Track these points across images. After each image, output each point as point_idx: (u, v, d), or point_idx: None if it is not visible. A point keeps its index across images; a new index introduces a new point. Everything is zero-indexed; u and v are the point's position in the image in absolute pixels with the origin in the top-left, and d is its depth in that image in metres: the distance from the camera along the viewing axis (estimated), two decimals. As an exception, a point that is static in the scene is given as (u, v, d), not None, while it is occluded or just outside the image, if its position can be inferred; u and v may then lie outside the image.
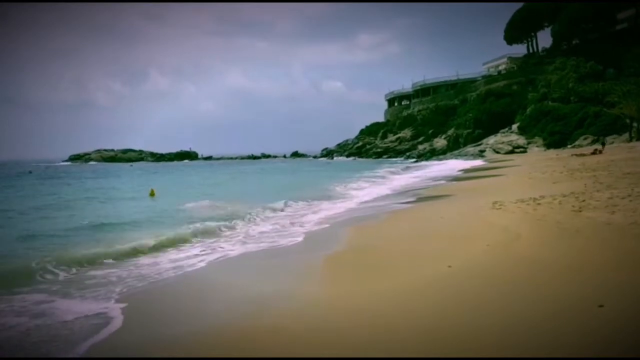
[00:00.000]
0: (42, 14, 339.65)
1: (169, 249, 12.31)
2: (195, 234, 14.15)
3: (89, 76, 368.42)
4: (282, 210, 19.35)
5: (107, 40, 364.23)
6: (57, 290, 8.71)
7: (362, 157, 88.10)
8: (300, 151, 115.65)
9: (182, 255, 11.62)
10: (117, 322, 6.93)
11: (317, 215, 17.66)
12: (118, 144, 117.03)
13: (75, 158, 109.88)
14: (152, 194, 28.74)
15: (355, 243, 11.76)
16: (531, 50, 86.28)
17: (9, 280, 9.23)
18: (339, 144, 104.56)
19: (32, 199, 27.82)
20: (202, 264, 10.58)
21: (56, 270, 10.05)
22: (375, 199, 22.14)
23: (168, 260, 11.06)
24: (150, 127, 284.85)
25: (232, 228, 15.39)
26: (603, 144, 42.63)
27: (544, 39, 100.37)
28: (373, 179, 36.07)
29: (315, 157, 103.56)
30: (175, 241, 13.15)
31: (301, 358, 5.18)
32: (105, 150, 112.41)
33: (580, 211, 11.26)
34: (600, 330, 4.93)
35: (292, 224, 15.76)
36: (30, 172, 66.27)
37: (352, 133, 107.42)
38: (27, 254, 11.83)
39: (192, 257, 11.33)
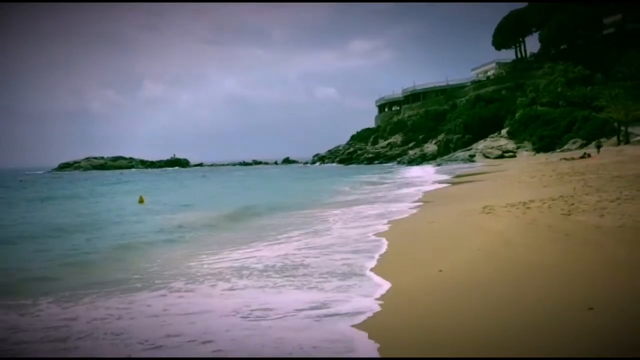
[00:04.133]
0: (37, 21, 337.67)
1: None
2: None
3: (83, 84, 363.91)
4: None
5: (103, 48, 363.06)
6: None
7: (353, 162, 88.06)
8: (292, 157, 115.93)
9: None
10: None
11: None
12: (112, 152, 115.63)
13: (64, 166, 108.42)
14: (141, 201, 28.22)
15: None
16: (519, 56, 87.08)
17: None
18: (330, 150, 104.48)
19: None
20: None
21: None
22: (363, 204, 22.04)
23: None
24: (144, 135, 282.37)
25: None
26: (599, 147, 42.40)
27: (532, 44, 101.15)
28: (361, 184, 36.10)
29: (306, 163, 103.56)
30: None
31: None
32: (95, 158, 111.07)
33: (569, 215, 11.28)
34: (590, 331, 4.94)
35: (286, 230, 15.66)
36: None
37: (345, 139, 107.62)
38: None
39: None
